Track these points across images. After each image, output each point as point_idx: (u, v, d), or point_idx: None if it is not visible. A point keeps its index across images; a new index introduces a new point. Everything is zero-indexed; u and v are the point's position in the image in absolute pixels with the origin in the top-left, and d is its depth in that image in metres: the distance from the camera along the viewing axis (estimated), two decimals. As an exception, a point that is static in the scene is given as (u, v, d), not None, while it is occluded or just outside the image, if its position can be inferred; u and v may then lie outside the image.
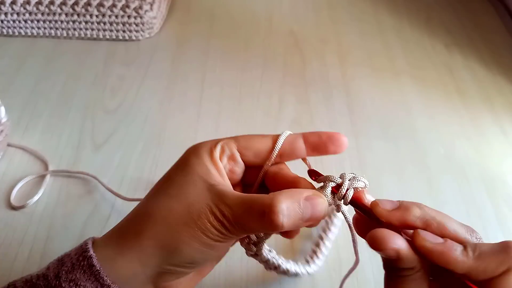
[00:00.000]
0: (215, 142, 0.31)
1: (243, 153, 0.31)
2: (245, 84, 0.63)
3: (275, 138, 0.31)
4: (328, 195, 0.29)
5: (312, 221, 0.28)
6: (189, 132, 0.56)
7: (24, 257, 0.43)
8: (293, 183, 0.30)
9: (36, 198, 0.47)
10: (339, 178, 0.29)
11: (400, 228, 0.27)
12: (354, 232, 0.30)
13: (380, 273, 0.42)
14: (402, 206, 0.27)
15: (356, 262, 0.32)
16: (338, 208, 0.29)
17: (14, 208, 0.47)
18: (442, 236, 0.26)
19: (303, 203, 0.27)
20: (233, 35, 0.71)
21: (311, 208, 0.27)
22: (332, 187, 0.29)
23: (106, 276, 0.27)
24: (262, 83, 0.63)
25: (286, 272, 0.38)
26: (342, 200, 0.29)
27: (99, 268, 0.27)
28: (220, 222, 0.27)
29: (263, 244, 0.32)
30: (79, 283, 0.27)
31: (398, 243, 0.26)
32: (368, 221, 0.28)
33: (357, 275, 0.43)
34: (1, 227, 0.45)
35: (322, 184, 0.30)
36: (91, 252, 0.27)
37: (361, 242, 0.30)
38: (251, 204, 0.27)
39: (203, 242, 0.27)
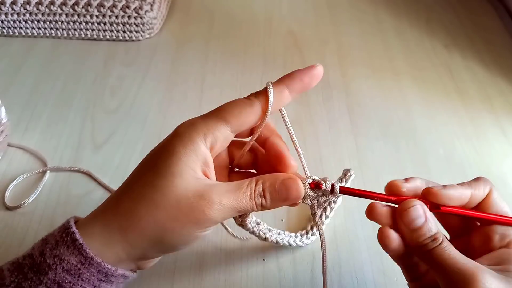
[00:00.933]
0: (205, 130, 0.30)
1: (235, 132, 0.31)
2: (245, 84, 0.63)
3: (264, 106, 0.31)
4: (307, 184, 0.32)
5: (290, 201, 0.31)
6: (189, 132, 0.56)
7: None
8: (280, 163, 0.33)
9: (31, 198, 0.47)
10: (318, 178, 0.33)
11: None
12: (326, 265, 0.34)
13: (380, 273, 0.43)
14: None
15: None
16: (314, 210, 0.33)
17: (8, 208, 0.47)
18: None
19: (278, 186, 0.30)
20: (233, 36, 0.71)
21: (285, 190, 0.31)
22: (311, 183, 0.32)
23: (89, 249, 0.27)
24: (262, 83, 0.62)
25: (278, 243, 0.41)
26: (331, 194, 0.32)
27: (82, 242, 0.28)
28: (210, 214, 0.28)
29: (248, 214, 0.35)
30: (63, 258, 0.27)
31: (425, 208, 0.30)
32: None
33: (356, 275, 0.43)
34: (0, 227, 0.45)
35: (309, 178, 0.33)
36: (74, 228, 0.28)
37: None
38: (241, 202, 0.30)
39: (190, 234, 0.29)
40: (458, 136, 0.57)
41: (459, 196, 0.31)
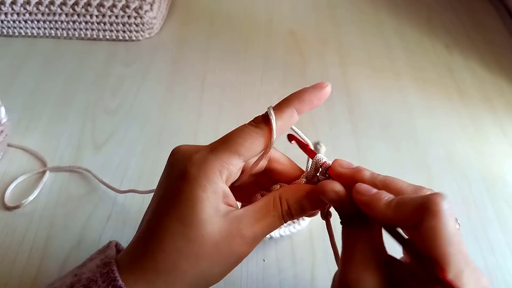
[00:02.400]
0: (220, 167, 0.29)
1: (246, 161, 0.31)
2: (246, 84, 0.63)
3: (268, 135, 0.30)
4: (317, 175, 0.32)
5: (316, 213, 0.32)
6: (189, 133, 0.56)
7: (24, 257, 0.43)
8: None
9: (31, 198, 0.47)
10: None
11: (351, 184, 0.29)
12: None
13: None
14: (356, 167, 0.30)
15: None
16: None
17: (8, 208, 0.46)
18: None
19: (304, 203, 0.30)
20: (233, 36, 0.71)
21: (310, 206, 0.30)
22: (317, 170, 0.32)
23: None
24: (263, 83, 0.63)
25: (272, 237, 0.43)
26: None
27: None
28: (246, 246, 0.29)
29: None
30: None
31: (337, 187, 0.28)
32: None
33: (357, 275, 0.43)
34: (0, 227, 0.45)
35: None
36: (120, 282, 0.27)
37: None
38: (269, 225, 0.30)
39: (231, 269, 0.30)
40: (459, 136, 0.57)
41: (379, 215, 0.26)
